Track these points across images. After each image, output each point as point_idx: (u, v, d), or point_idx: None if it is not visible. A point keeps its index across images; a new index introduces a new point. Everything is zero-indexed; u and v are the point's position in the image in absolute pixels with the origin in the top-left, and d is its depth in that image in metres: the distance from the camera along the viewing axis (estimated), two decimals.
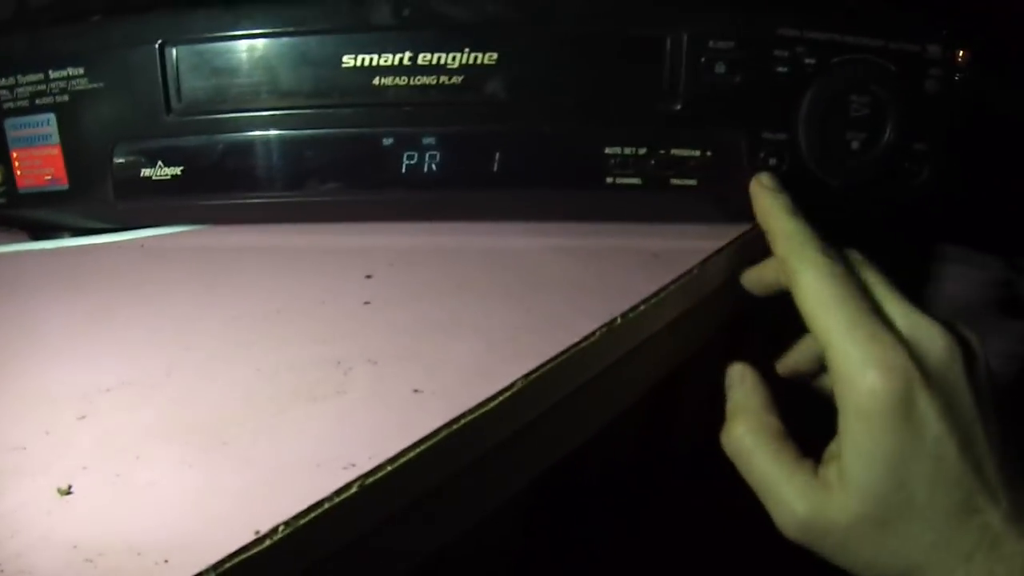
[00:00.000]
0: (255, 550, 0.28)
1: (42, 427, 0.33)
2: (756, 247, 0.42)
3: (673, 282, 0.38)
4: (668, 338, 0.40)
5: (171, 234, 0.43)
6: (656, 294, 0.37)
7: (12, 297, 0.39)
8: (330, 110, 0.38)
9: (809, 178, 0.39)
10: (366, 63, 0.37)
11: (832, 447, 0.32)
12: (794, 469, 0.32)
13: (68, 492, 0.30)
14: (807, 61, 0.38)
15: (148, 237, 0.43)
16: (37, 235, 0.44)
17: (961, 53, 0.38)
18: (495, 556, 0.40)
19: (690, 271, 0.39)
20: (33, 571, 0.28)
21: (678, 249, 0.40)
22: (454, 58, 0.37)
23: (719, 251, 0.40)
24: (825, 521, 0.31)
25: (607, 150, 0.38)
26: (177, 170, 0.39)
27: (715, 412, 0.48)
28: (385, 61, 0.37)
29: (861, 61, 0.38)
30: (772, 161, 0.39)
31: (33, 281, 0.40)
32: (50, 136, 0.39)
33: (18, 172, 0.40)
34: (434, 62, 0.37)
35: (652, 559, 0.53)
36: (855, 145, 0.39)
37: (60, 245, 0.42)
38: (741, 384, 0.36)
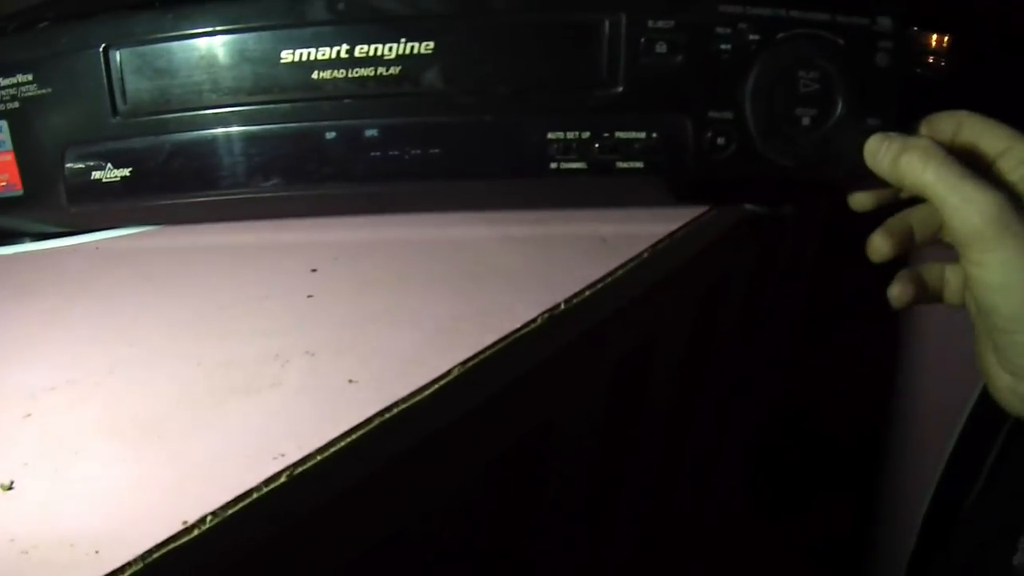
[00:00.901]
0: (183, 540, 0.29)
1: None
2: (709, 231, 0.43)
3: (621, 267, 0.38)
4: (621, 323, 0.40)
5: (125, 236, 0.44)
6: (602, 279, 0.37)
7: None
8: (271, 106, 0.39)
9: (759, 157, 0.39)
10: (304, 58, 0.38)
11: None
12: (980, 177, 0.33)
13: (9, 488, 0.31)
14: (751, 37, 0.38)
15: (103, 240, 0.44)
16: None
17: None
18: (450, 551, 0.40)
19: (640, 255, 0.39)
20: None
21: (628, 234, 0.40)
22: (391, 49, 0.37)
23: (671, 235, 0.40)
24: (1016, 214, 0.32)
25: (549, 135, 0.38)
26: (126, 171, 0.40)
27: (685, 398, 0.48)
28: (323, 55, 0.38)
29: (808, 36, 0.38)
30: (720, 141, 0.39)
31: None
32: (3, 143, 0.41)
33: None
34: (371, 54, 0.37)
35: (617, 560, 0.53)
36: (805, 121, 0.39)
37: (18, 250, 0.44)
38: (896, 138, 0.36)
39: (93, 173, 0.40)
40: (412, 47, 0.37)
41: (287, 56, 0.38)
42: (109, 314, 0.38)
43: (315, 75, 0.38)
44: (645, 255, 0.39)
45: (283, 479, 0.30)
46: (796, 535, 0.68)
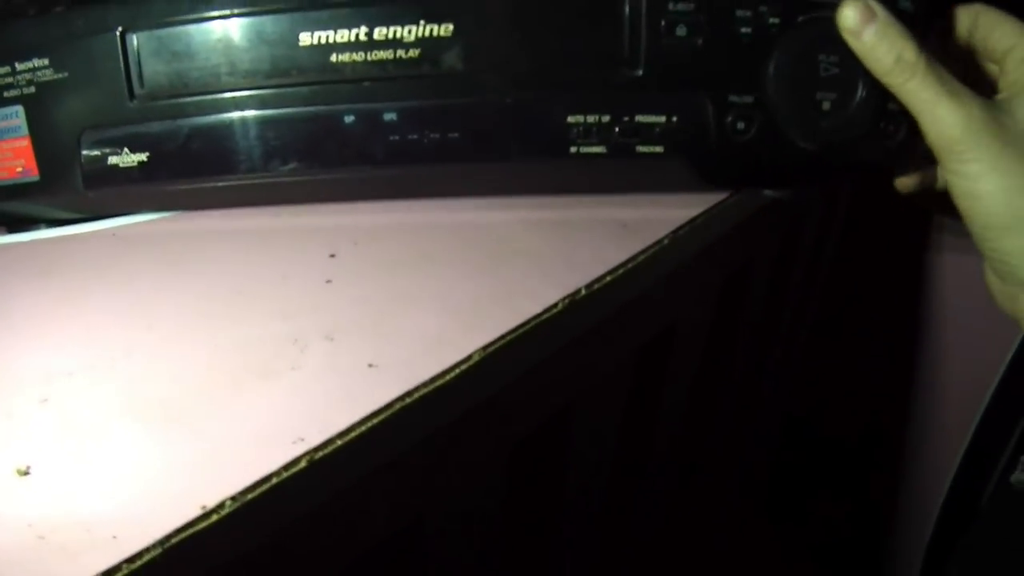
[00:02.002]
0: (201, 525, 0.27)
1: (5, 411, 0.33)
2: (730, 217, 0.41)
3: (642, 252, 0.37)
4: (642, 309, 0.38)
5: (142, 222, 0.43)
6: (624, 264, 0.36)
7: None
8: (290, 89, 0.37)
9: (781, 141, 0.38)
10: (323, 40, 0.36)
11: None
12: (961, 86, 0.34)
13: (26, 473, 0.30)
14: (771, 20, 0.37)
15: (120, 226, 0.43)
16: (13, 228, 0.44)
17: None
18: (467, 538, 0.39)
19: (660, 241, 0.37)
20: None
21: (649, 219, 0.39)
22: (410, 31, 0.36)
23: (692, 220, 0.39)
24: (1005, 120, 0.33)
25: (570, 119, 0.37)
26: (143, 156, 0.39)
27: (703, 388, 0.47)
28: (341, 37, 0.36)
29: (828, 19, 0.37)
30: (740, 125, 0.38)
31: (5, 272, 0.40)
32: (19, 128, 0.40)
33: None
34: (390, 36, 0.36)
35: (629, 551, 0.52)
36: (826, 105, 0.38)
37: (35, 237, 0.43)
38: (872, 21, 0.35)
39: (110, 158, 0.39)
40: (431, 29, 0.36)
41: (305, 39, 0.37)
42: (126, 299, 0.37)
43: (334, 58, 0.37)
44: (666, 241, 0.37)
45: (303, 464, 0.29)
46: (806, 534, 0.67)
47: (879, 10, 0.35)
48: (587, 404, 0.40)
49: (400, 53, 0.36)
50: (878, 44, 0.34)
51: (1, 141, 0.40)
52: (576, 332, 0.36)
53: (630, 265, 0.36)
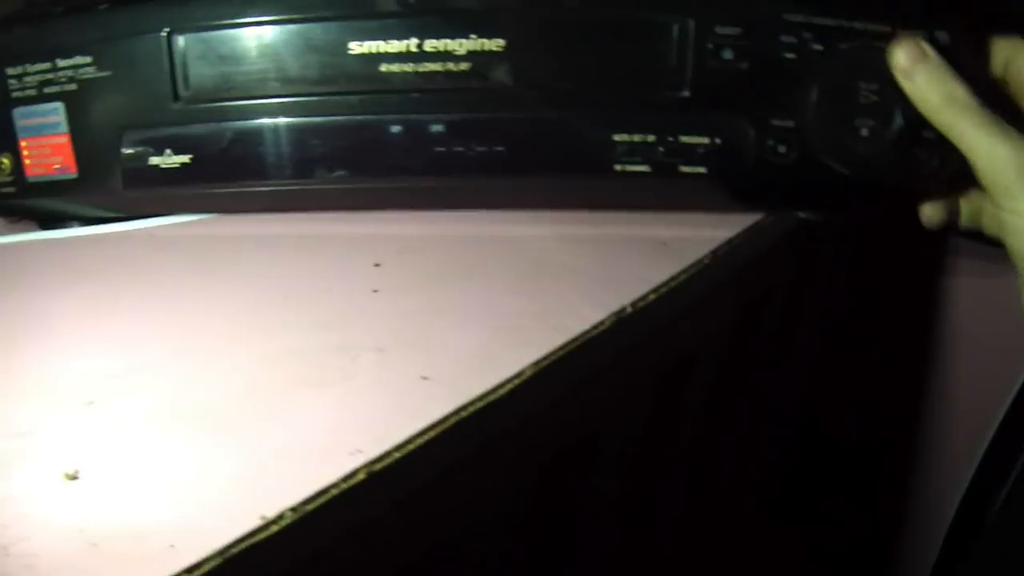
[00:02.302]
0: (261, 535, 0.27)
1: (49, 413, 0.32)
2: (766, 237, 0.42)
3: (684, 271, 0.37)
4: (676, 329, 0.39)
5: (179, 223, 0.43)
6: (667, 283, 0.37)
7: (20, 286, 0.39)
8: (337, 97, 0.37)
9: (818, 166, 0.38)
10: (373, 50, 0.36)
11: None
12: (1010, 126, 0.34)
13: (75, 477, 0.30)
14: (814, 47, 0.37)
15: (157, 226, 0.42)
16: (45, 224, 0.43)
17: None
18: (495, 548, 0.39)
19: (701, 260, 0.38)
20: (38, 554, 0.27)
21: (688, 238, 0.39)
22: (460, 44, 0.36)
23: (729, 240, 0.39)
24: None
25: (615, 137, 0.37)
26: (185, 158, 0.38)
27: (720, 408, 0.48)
28: (392, 48, 0.36)
29: (869, 47, 0.37)
30: (781, 148, 0.38)
31: (41, 270, 0.40)
32: (59, 125, 0.39)
33: (27, 161, 0.40)
34: (441, 49, 0.36)
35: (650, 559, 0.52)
36: (864, 132, 0.38)
37: (69, 235, 0.42)
38: (925, 61, 0.35)
39: (151, 158, 0.39)
40: (483, 44, 0.36)
41: (355, 47, 0.36)
42: (167, 302, 0.37)
43: (383, 68, 0.37)
44: (707, 260, 0.38)
45: (361, 476, 0.29)
46: (816, 544, 0.68)
47: (930, 50, 0.35)
48: (613, 420, 0.41)
49: (450, 65, 0.37)
50: (929, 84, 0.35)
51: (40, 137, 0.39)
52: (620, 349, 0.36)
53: (674, 283, 0.37)
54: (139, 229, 0.42)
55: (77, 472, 0.30)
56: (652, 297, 0.36)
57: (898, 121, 0.38)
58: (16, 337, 0.36)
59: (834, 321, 0.60)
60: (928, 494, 0.55)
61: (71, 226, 0.43)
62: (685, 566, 0.54)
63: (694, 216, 0.41)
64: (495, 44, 0.36)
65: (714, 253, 0.38)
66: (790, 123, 0.38)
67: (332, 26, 0.36)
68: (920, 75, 0.35)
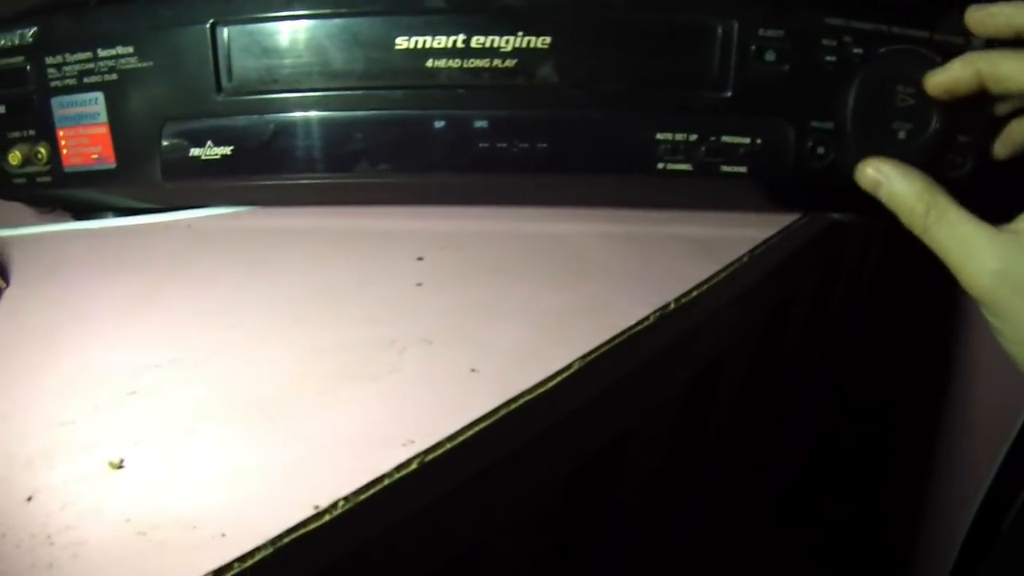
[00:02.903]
0: (314, 525, 0.27)
1: (91, 402, 0.31)
2: (801, 236, 0.42)
3: (723, 270, 0.37)
4: (711, 328, 0.39)
5: (217, 215, 0.42)
6: (707, 281, 0.36)
7: (58, 276, 0.38)
8: (381, 92, 0.37)
9: (854, 167, 0.38)
10: (419, 45, 0.36)
11: None
12: (979, 227, 0.32)
13: (120, 466, 0.29)
14: (854, 51, 0.38)
15: (194, 218, 0.41)
16: (80, 215, 0.43)
17: None
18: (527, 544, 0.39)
19: (739, 259, 0.38)
20: (85, 543, 0.26)
21: (724, 237, 0.39)
22: (507, 41, 0.36)
23: (766, 240, 0.39)
24: (1021, 268, 0.31)
25: (658, 136, 0.37)
26: (227, 150, 0.38)
27: (747, 406, 0.47)
28: (438, 44, 0.36)
29: (907, 51, 0.38)
30: (820, 150, 0.38)
31: (79, 261, 0.39)
32: (98, 115, 0.38)
33: (64, 151, 0.39)
34: (487, 45, 0.36)
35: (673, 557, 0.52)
36: (901, 135, 0.38)
37: (104, 225, 0.41)
38: (891, 179, 0.35)
39: (192, 150, 0.38)
40: (529, 41, 0.36)
41: (402, 43, 0.36)
42: (208, 294, 0.36)
43: (429, 63, 0.36)
44: (745, 259, 0.38)
45: (414, 466, 0.28)
46: (831, 550, 0.67)
47: (887, 171, 0.35)
48: (647, 417, 0.41)
49: (496, 62, 0.36)
50: (890, 202, 0.35)
51: (78, 127, 0.39)
52: (662, 345, 0.36)
53: (714, 282, 0.36)
54: (176, 220, 0.41)
55: (122, 461, 0.29)
56: (694, 294, 0.36)
57: (934, 125, 0.38)
58: (56, 327, 0.35)
59: (856, 325, 0.61)
60: (946, 500, 0.54)
61: (106, 217, 0.42)
62: (685, 564, 0.53)
63: (730, 216, 0.41)
64: (541, 42, 0.36)
65: (752, 252, 0.38)
66: (829, 125, 0.38)
67: (379, 21, 0.36)
68: (881, 195, 0.35)
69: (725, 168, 0.38)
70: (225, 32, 0.37)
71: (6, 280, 0.38)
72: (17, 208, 0.44)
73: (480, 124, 0.37)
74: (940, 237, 0.33)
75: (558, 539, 0.41)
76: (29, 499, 0.28)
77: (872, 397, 0.64)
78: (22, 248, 0.41)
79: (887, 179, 0.35)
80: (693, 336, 0.38)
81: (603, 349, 0.33)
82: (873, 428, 0.64)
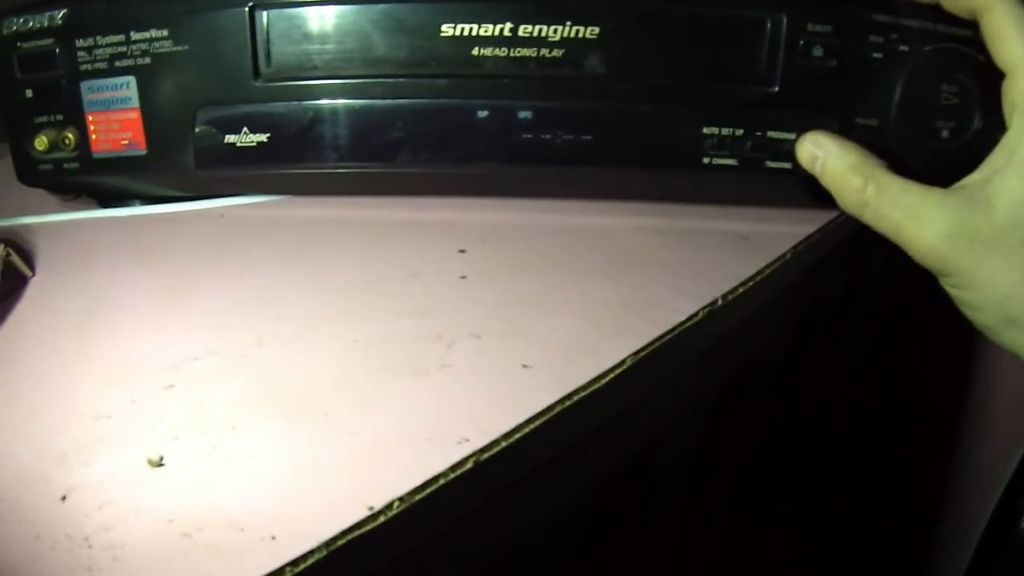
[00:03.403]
0: (369, 527, 0.24)
1: (127, 396, 0.29)
2: (843, 233, 0.40)
3: (768, 266, 0.35)
4: (761, 322, 0.37)
5: (251, 204, 0.39)
6: (752, 277, 0.34)
7: (90, 265, 0.36)
8: (425, 79, 0.34)
9: (898, 165, 0.37)
10: (465, 32, 0.34)
11: (988, 164, 0.30)
12: (926, 191, 0.30)
13: (160, 464, 0.27)
14: (901, 48, 0.36)
15: (227, 207, 0.39)
16: (106, 203, 0.40)
17: None
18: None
19: (783, 255, 0.36)
20: (125, 545, 0.24)
21: (768, 233, 0.37)
22: (556, 31, 0.34)
23: (809, 236, 0.37)
24: (976, 223, 0.29)
25: (704, 130, 0.35)
26: (263, 137, 0.35)
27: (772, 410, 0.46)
28: (485, 31, 0.34)
29: (952, 50, 0.36)
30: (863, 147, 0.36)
31: (107, 250, 0.36)
32: (129, 99, 0.36)
33: (93, 136, 0.36)
34: (535, 34, 0.34)
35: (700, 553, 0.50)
36: (944, 133, 0.37)
37: (133, 213, 0.39)
38: (827, 149, 0.33)
39: (227, 137, 0.35)
40: (577, 31, 0.34)
41: (448, 30, 0.34)
42: (246, 285, 0.34)
43: (475, 51, 0.34)
44: (788, 255, 0.36)
45: (469, 465, 0.26)
46: (846, 551, 0.66)
47: (823, 143, 0.33)
48: (685, 417, 0.39)
49: (543, 52, 0.34)
50: (824, 178, 0.33)
51: (108, 112, 0.36)
52: (705, 343, 0.34)
53: (759, 278, 0.35)
54: (208, 209, 0.39)
55: (162, 458, 0.27)
56: (740, 291, 0.34)
57: (976, 124, 0.37)
58: (87, 317, 0.32)
59: (878, 327, 0.59)
60: (962, 501, 0.53)
61: (133, 205, 0.39)
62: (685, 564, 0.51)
63: (770, 211, 0.39)
64: (590, 32, 0.34)
65: (795, 249, 0.36)
66: (874, 122, 0.36)
67: (425, 7, 0.34)
68: (817, 171, 0.33)
69: (770, 164, 0.36)
70: (264, 16, 0.34)
71: (32, 269, 0.35)
72: (40, 195, 0.41)
73: (524, 115, 0.35)
74: (883, 212, 0.30)
75: (590, 543, 0.39)
76: (64, 498, 0.25)
77: (888, 399, 0.62)
78: (47, 236, 0.38)
79: (824, 152, 0.33)
80: (735, 335, 0.36)
81: (655, 345, 0.31)
82: (888, 430, 0.63)
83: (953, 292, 0.30)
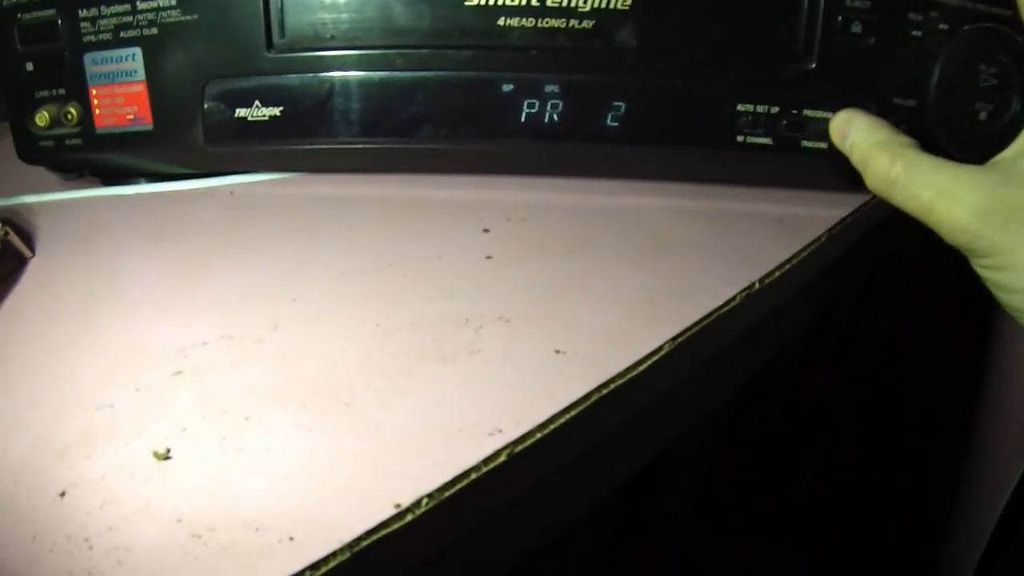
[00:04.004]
0: (395, 526, 0.21)
1: (132, 384, 0.26)
2: (876, 216, 0.37)
3: (804, 249, 0.32)
4: (799, 304, 0.34)
5: (262, 181, 0.36)
6: (788, 260, 0.31)
7: (92, 246, 0.32)
8: (448, 51, 0.31)
9: (936, 147, 0.33)
10: (491, 2, 0.30)
11: (1022, 139, 0.28)
12: (958, 168, 0.28)
13: (167, 457, 0.23)
14: (940, 27, 0.33)
15: (237, 184, 0.35)
16: (109, 180, 0.36)
17: None
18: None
19: (818, 239, 0.33)
20: (130, 547, 0.21)
21: (803, 216, 0.34)
22: (586, 1, 0.30)
23: (842, 220, 0.34)
24: (1011, 199, 0.26)
25: (739, 107, 0.32)
26: (276, 111, 0.32)
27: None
28: (512, 1, 0.30)
29: (992, 30, 0.33)
30: (902, 127, 0.33)
31: (111, 229, 0.33)
32: (135, 72, 0.32)
33: (97, 111, 0.33)
34: (564, 4, 0.30)
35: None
36: (983, 116, 0.34)
37: (138, 191, 0.35)
38: (856, 125, 0.30)
39: (238, 111, 0.32)
40: (608, 1, 0.30)
41: None
42: (259, 266, 0.30)
43: (501, 22, 0.31)
44: (823, 239, 0.33)
45: (502, 458, 0.23)
46: (857, 552, 0.63)
47: (854, 120, 0.30)
48: (702, 419, 0.36)
49: (573, 23, 0.31)
50: (853, 155, 0.30)
51: (112, 85, 0.32)
52: (744, 326, 0.31)
53: (795, 261, 0.31)
54: (217, 187, 0.35)
55: (169, 451, 0.23)
56: (776, 275, 0.31)
57: (1015, 106, 0.34)
58: (91, 299, 0.29)
59: (889, 327, 0.56)
60: (973, 503, 0.50)
61: (138, 183, 0.36)
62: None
63: (803, 194, 0.36)
64: (622, 3, 0.31)
65: (829, 232, 0.33)
66: (912, 102, 0.33)
67: None
68: (846, 148, 0.30)
69: (805, 143, 0.33)
70: None
71: (32, 249, 0.32)
72: (40, 173, 0.37)
73: (550, 88, 0.31)
74: (914, 190, 0.27)
75: (608, 545, 0.36)
76: (62, 495, 0.22)
77: (899, 400, 0.60)
78: (47, 216, 0.35)
79: (854, 128, 0.30)
80: (780, 314, 0.33)
81: (693, 330, 0.28)
82: (894, 437, 0.60)
83: (986, 274, 0.27)
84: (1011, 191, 0.27)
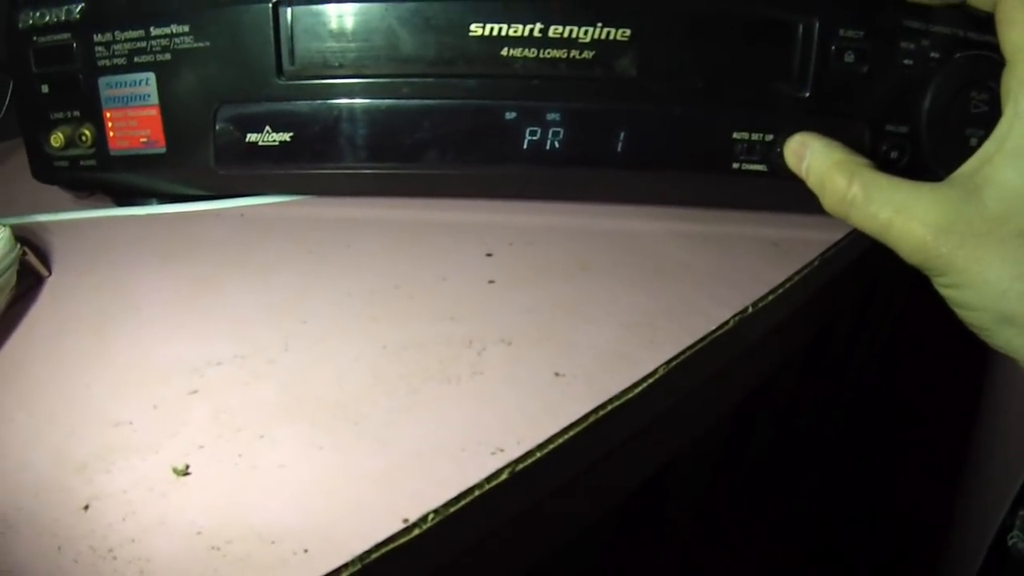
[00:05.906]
0: (403, 539, 0.23)
1: (149, 401, 0.28)
2: (862, 243, 0.39)
3: (798, 272, 0.34)
4: (791, 327, 0.36)
5: (272, 204, 0.38)
6: (783, 284, 0.34)
7: (104, 265, 0.34)
8: (453, 79, 0.33)
9: (928, 172, 0.36)
10: (495, 32, 0.33)
11: (979, 153, 0.28)
12: (916, 186, 0.28)
13: (185, 472, 0.25)
14: (932, 55, 0.35)
15: (247, 206, 0.37)
16: (122, 200, 0.39)
17: None
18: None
19: (812, 262, 0.35)
20: (152, 558, 0.23)
21: (798, 239, 0.36)
22: (586, 32, 0.33)
23: (836, 243, 0.36)
24: (968, 216, 0.27)
25: (735, 135, 0.34)
26: (286, 136, 0.34)
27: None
28: (515, 31, 0.33)
29: (982, 57, 0.35)
30: (894, 154, 0.36)
31: (125, 249, 0.35)
32: (148, 96, 0.34)
33: (111, 133, 0.35)
34: (565, 35, 0.33)
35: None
36: (973, 142, 0.36)
37: (150, 212, 0.37)
38: (811, 148, 0.31)
39: (248, 135, 0.34)
40: (608, 32, 0.33)
41: (477, 29, 0.33)
42: (271, 286, 0.32)
43: (504, 52, 0.33)
44: (816, 262, 0.35)
45: (504, 476, 0.25)
46: (856, 561, 0.65)
47: (810, 142, 0.31)
48: (707, 427, 0.38)
49: (574, 53, 0.33)
50: (809, 179, 0.31)
51: (126, 108, 0.35)
52: (739, 349, 0.33)
53: (789, 284, 0.34)
54: (227, 208, 0.37)
55: (187, 467, 0.26)
56: (770, 298, 0.33)
57: None
58: (106, 319, 0.31)
59: (890, 339, 0.58)
60: (974, 510, 0.52)
61: (150, 203, 0.38)
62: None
63: (797, 217, 0.38)
64: (621, 34, 0.33)
65: (823, 255, 0.36)
66: (904, 129, 0.36)
67: (454, 5, 0.32)
68: (803, 173, 0.31)
69: None
70: (288, 12, 0.33)
71: (48, 268, 0.34)
72: (54, 192, 0.40)
73: (552, 116, 0.34)
74: (871, 210, 0.28)
75: (609, 558, 0.38)
76: (86, 508, 0.24)
77: (898, 411, 0.62)
78: (61, 235, 0.37)
79: (810, 151, 0.31)
80: (774, 336, 0.35)
81: (687, 353, 0.30)
82: (899, 438, 0.62)
83: (946, 292, 0.28)
84: (968, 207, 0.27)
